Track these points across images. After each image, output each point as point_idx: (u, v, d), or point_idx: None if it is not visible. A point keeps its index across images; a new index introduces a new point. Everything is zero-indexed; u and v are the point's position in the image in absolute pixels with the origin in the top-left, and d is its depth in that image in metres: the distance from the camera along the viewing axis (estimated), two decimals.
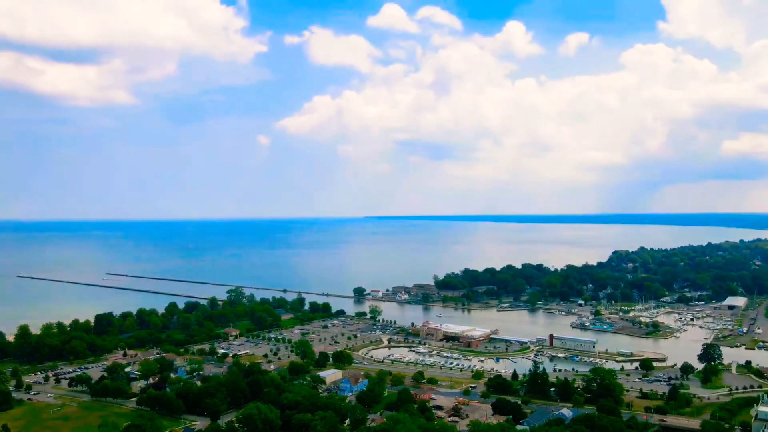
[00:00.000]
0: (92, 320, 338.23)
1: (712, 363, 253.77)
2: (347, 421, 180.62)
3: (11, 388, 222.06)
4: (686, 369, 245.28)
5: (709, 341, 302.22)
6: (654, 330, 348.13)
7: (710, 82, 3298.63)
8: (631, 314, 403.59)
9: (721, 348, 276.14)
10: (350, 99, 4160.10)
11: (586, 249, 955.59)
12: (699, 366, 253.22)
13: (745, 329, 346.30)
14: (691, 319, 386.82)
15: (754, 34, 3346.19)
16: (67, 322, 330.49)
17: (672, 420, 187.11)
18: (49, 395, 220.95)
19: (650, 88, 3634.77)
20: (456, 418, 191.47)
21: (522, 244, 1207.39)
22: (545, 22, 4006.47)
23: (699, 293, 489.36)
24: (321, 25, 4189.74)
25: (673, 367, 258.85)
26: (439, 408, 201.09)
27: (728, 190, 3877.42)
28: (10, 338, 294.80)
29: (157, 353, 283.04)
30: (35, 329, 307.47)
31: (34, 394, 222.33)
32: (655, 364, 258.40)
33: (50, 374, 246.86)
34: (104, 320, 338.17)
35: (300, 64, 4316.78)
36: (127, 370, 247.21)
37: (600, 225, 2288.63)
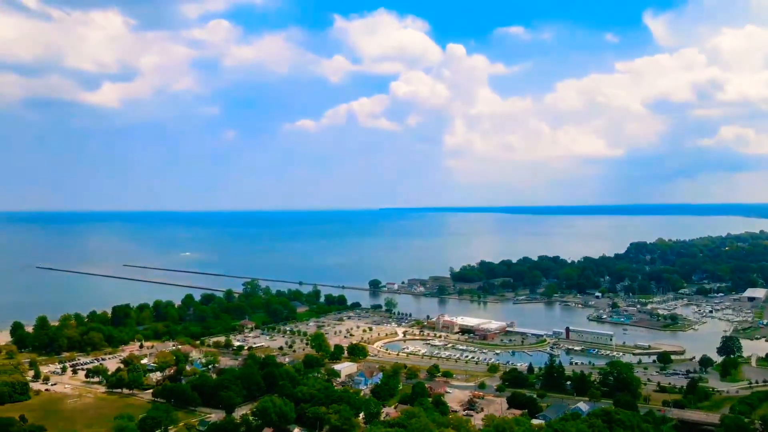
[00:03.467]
0: (110, 312, 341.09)
1: (732, 356, 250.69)
2: (362, 415, 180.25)
3: (29, 379, 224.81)
4: (705, 362, 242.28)
5: (728, 334, 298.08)
6: (672, 322, 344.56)
7: (709, 77, 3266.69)
8: (649, 306, 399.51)
9: (741, 340, 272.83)
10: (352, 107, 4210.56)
11: (603, 241, 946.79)
12: (718, 359, 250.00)
13: (765, 321, 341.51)
14: (710, 311, 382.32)
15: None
16: (84, 313, 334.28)
17: (690, 414, 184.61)
18: (66, 386, 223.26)
19: (649, 84, 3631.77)
20: (471, 412, 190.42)
21: (535, 236, 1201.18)
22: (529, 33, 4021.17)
23: (718, 285, 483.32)
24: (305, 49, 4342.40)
25: (691, 360, 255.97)
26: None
27: (741, 181, 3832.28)
28: (29, 329, 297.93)
29: (173, 345, 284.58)
30: (54, 320, 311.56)
31: (51, 384, 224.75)
32: (673, 357, 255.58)
33: (68, 365, 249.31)
34: (121, 312, 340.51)
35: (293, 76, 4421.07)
36: (143, 361, 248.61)
37: (603, 216, 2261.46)
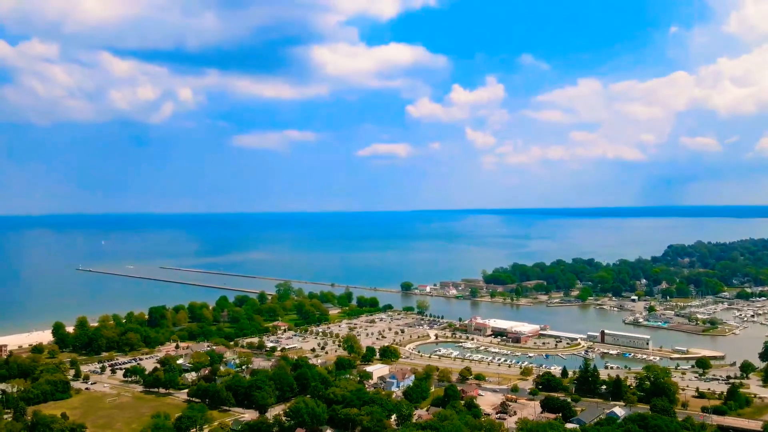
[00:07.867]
0: (146, 312, 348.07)
1: None
2: (393, 417, 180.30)
3: (70, 378, 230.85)
4: (746, 367, 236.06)
5: None
6: (711, 327, 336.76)
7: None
8: (687, 310, 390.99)
9: None
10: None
11: (639, 243, 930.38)
12: (760, 364, 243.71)
13: None
14: (752, 316, 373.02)
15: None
16: (122, 314, 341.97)
17: (731, 421, 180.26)
18: (105, 385, 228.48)
19: (676, 94, 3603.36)
20: (504, 416, 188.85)
21: (568, 238, 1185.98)
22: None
23: (760, 288, 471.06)
24: None
25: (731, 365, 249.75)
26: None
27: None
28: (70, 329, 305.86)
29: (208, 346, 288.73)
30: (93, 321, 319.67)
31: (91, 383, 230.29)
32: (712, 362, 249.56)
33: (107, 365, 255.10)
34: (158, 313, 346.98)
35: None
36: (179, 362, 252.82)
37: (633, 219, 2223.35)
